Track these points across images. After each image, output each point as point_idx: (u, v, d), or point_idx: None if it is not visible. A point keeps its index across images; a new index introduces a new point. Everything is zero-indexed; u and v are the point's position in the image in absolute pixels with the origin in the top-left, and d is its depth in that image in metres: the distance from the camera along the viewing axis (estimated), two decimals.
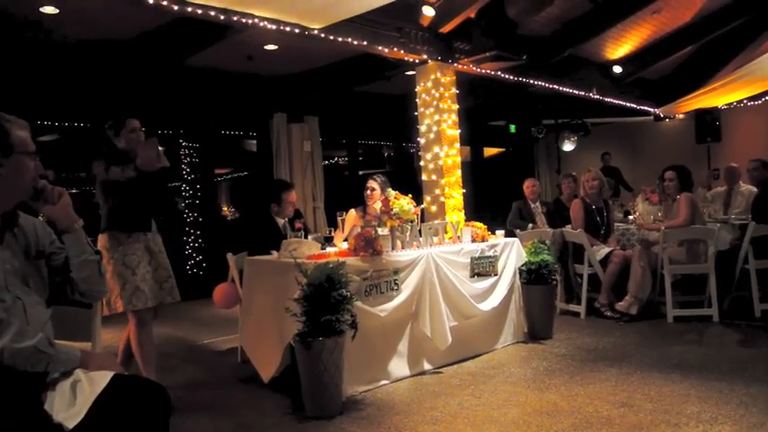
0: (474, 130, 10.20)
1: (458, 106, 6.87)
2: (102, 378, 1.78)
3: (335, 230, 4.81)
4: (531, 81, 8.06)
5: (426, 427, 3.16)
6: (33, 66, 6.70)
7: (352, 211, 5.29)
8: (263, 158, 9.06)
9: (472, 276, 4.53)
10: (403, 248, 4.21)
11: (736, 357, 4.12)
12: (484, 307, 4.52)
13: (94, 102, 7.18)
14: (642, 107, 10.56)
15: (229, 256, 4.66)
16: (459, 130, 6.86)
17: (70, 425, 1.65)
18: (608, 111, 10.81)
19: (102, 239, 3.54)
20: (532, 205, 7.07)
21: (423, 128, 6.84)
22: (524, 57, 6.88)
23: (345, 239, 4.56)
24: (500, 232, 5.08)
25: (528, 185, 7.16)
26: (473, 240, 4.70)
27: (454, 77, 6.85)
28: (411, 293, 4.04)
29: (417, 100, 6.89)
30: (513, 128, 12.84)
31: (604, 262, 5.60)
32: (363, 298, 3.74)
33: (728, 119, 11.08)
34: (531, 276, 4.89)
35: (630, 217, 6.94)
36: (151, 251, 3.63)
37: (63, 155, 8.53)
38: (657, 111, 10.93)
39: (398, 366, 4.01)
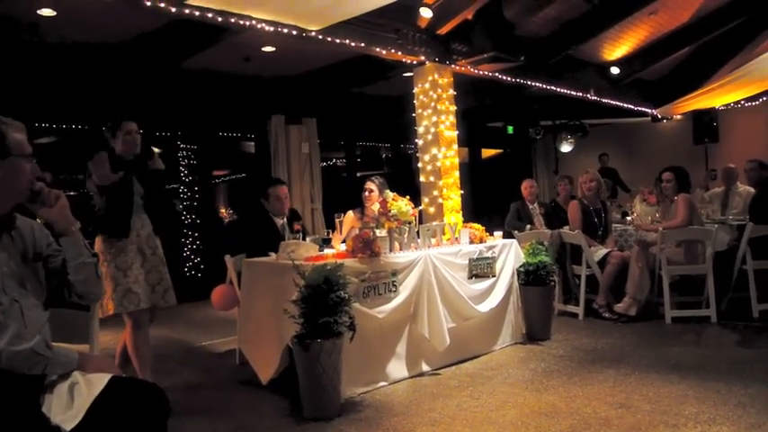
0: (472, 131, 10.20)
1: (455, 108, 6.87)
2: (100, 380, 1.78)
3: (333, 232, 4.82)
4: (529, 82, 8.07)
5: (425, 429, 3.16)
6: (30, 68, 6.68)
7: (350, 213, 5.29)
8: (261, 160, 9.05)
9: (470, 278, 4.53)
10: (401, 250, 4.21)
11: (735, 358, 4.13)
12: (482, 308, 4.51)
13: (92, 104, 7.17)
14: (640, 108, 10.57)
15: (227, 257, 4.66)
16: (456, 132, 6.86)
17: (68, 427, 1.65)
18: (605, 112, 10.82)
19: (97, 242, 3.55)
20: (530, 206, 7.09)
21: (421, 129, 6.84)
22: (522, 58, 6.88)
23: (343, 241, 4.56)
24: (498, 233, 5.09)
25: (526, 187, 7.18)
26: (471, 242, 4.70)
27: (452, 79, 6.85)
28: (409, 295, 4.04)
29: (415, 101, 6.89)
30: (510, 129, 12.85)
31: (602, 263, 5.61)
32: (361, 299, 3.74)
33: (726, 119, 11.10)
34: (530, 277, 4.89)
35: (628, 218, 6.96)
36: (144, 253, 3.62)
37: (60, 157, 8.51)
38: (655, 112, 10.94)
39: (397, 368, 4.01)
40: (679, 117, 11.52)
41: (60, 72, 6.94)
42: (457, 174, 6.85)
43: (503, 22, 6.30)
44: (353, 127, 10.45)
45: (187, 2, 4.56)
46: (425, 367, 4.17)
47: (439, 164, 6.66)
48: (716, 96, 9.85)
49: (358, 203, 5.36)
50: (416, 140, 6.96)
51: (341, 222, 4.89)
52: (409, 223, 4.36)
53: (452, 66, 6.80)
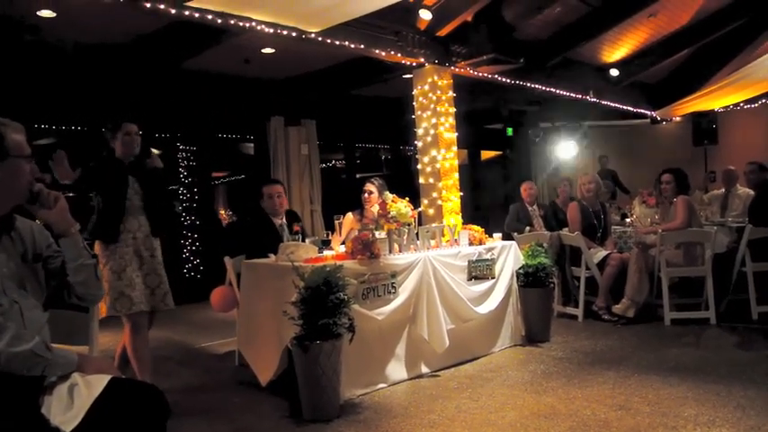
0: (471, 133, 10.20)
1: (455, 109, 6.88)
2: (100, 381, 1.78)
3: (333, 234, 4.82)
4: (529, 84, 8.08)
5: (424, 431, 3.16)
6: (30, 69, 6.68)
7: (350, 215, 5.29)
8: (260, 162, 9.05)
9: (470, 279, 4.53)
10: (400, 251, 4.21)
11: (734, 360, 4.13)
12: (481, 310, 4.51)
13: (91, 105, 7.16)
14: (639, 110, 10.59)
15: (227, 259, 4.65)
16: (456, 134, 6.87)
17: (67, 428, 1.65)
18: (605, 114, 10.84)
19: (96, 244, 3.54)
20: (530, 208, 7.09)
21: (420, 131, 6.85)
22: (521, 60, 6.89)
23: (343, 243, 4.56)
24: (497, 235, 5.08)
25: (525, 188, 7.18)
26: (470, 243, 4.70)
27: (451, 81, 6.86)
28: (408, 297, 4.03)
29: (414, 103, 6.90)
30: (510, 131, 12.86)
31: (601, 265, 5.61)
32: (361, 301, 3.74)
33: (725, 121, 11.11)
34: (529, 279, 4.89)
35: (627, 220, 6.96)
36: (141, 256, 3.61)
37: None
38: (654, 114, 10.96)
39: (396, 370, 4.01)
40: (678, 119, 11.54)
41: (60, 73, 6.94)
42: (456, 175, 6.85)
43: (502, 24, 6.31)
44: (353, 128, 10.45)
45: (187, 3, 4.56)
46: (425, 369, 4.17)
47: (438, 165, 6.67)
48: (715, 98, 9.87)
49: (357, 205, 5.36)
50: (416, 142, 6.97)
51: (340, 224, 4.89)
52: (408, 225, 4.36)
53: (452, 68, 6.81)
